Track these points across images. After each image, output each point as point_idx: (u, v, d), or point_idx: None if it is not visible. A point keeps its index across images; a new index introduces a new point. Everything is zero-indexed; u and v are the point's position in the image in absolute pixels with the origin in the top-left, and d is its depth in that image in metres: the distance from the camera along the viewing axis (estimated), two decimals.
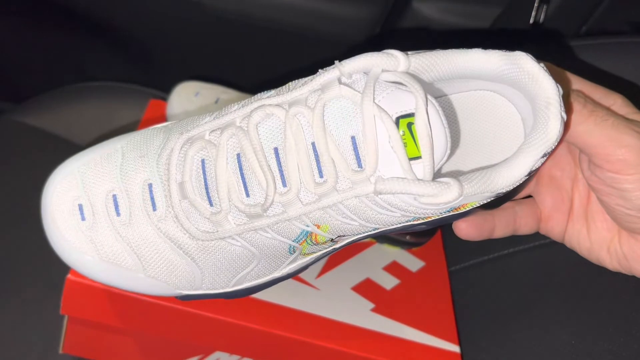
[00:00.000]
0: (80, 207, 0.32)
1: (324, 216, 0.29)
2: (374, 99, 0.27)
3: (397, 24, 0.69)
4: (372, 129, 0.27)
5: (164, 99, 0.52)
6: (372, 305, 0.45)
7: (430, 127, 0.27)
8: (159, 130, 0.33)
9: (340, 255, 0.48)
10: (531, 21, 0.60)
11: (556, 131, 0.28)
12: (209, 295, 0.35)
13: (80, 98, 0.66)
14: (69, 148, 0.60)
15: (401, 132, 0.27)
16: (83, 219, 0.32)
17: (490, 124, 0.34)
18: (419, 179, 0.27)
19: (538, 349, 0.44)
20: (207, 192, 0.30)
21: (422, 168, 0.27)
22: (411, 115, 0.27)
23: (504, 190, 0.29)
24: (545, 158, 0.28)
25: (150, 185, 0.31)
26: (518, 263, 0.50)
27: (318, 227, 0.30)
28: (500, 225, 0.35)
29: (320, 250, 0.34)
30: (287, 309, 0.42)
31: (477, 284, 0.51)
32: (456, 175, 0.28)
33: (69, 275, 0.38)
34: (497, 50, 0.30)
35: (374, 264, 0.49)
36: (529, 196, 0.36)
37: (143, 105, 0.53)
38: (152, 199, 0.31)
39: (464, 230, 0.33)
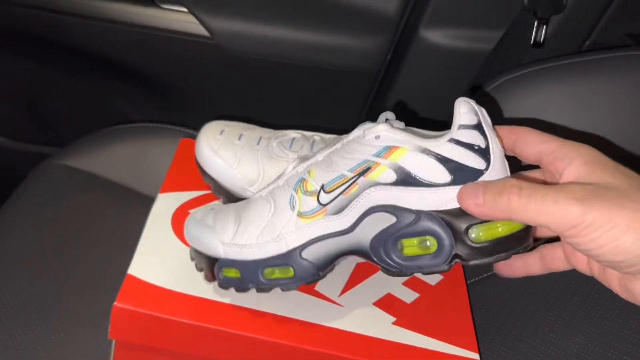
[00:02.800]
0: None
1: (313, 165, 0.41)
2: None
3: (406, 51, 0.73)
4: None
5: (194, 137, 0.57)
6: (393, 319, 0.48)
7: None
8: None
9: (362, 273, 0.51)
10: (531, 42, 0.63)
11: None
12: (238, 263, 0.41)
13: (117, 140, 0.71)
14: (108, 187, 0.65)
15: None
16: None
17: None
18: None
19: (555, 353, 0.46)
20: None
21: None
22: None
23: None
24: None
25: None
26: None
27: (309, 173, 0.41)
28: (534, 266, 0.41)
29: (312, 217, 0.40)
30: (313, 324, 0.45)
31: (494, 294, 0.53)
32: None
33: (116, 303, 0.42)
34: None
35: (394, 280, 0.51)
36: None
37: (175, 144, 0.58)
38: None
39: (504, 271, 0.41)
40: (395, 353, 0.45)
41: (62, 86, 0.85)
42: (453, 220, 0.36)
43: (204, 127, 0.53)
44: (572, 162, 0.34)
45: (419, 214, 0.37)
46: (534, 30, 0.62)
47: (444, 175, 0.37)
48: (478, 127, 0.37)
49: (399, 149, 0.38)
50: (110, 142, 0.70)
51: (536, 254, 0.40)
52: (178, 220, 0.49)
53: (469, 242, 0.36)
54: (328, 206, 0.40)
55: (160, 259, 0.45)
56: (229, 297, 0.44)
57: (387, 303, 0.49)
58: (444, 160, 0.37)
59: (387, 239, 0.38)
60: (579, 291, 0.49)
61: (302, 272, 0.40)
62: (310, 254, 0.40)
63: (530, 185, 0.33)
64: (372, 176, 0.39)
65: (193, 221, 0.44)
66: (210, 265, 0.42)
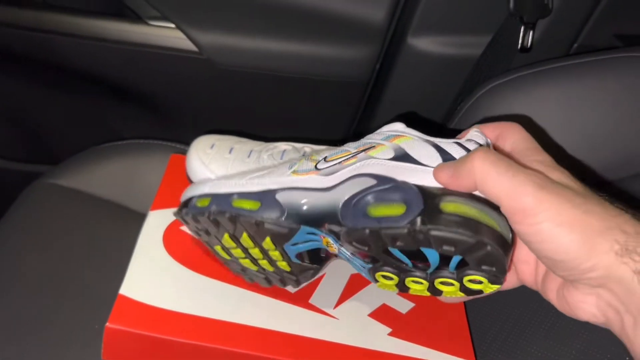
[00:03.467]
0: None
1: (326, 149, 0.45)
2: None
3: (395, 59, 0.73)
4: None
5: (185, 152, 0.57)
6: (389, 330, 0.47)
7: None
8: None
9: (356, 285, 0.51)
10: (519, 47, 0.63)
11: None
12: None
13: (108, 157, 0.71)
14: (100, 205, 0.65)
15: None
16: None
17: None
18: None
19: (553, 359, 0.46)
20: None
21: None
22: None
23: None
24: None
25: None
26: None
27: (319, 152, 0.44)
28: None
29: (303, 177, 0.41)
30: (308, 339, 0.45)
31: (490, 302, 0.53)
32: None
33: (108, 324, 0.41)
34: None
35: (389, 291, 0.51)
36: None
37: (166, 160, 0.58)
38: None
39: None
40: None
41: (53, 104, 0.85)
42: (429, 191, 0.36)
43: (195, 142, 0.53)
44: (514, 138, 0.36)
45: (398, 182, 0.37)
46: (521, 35, 0.63)
47: (437, 162, 0.37)
48: (484, 145, 0.39)
49: (405, 136, 0.40)
50: (101, 160, 0.70)
51: None
52: (169, 237, 0.49)
53: (437, 209, 0.35)
54: (322, 170, 0.41)
55: (152, 277, 0.45)
56: (223, 314, 0.44)
57: (383, 314, 0.49)
58: (442, 152, 0.38)
59: (361, 197, 0.38)
60: None
61: (267, 207, 0.41)
62: (282, 196, 0.41)
63: (497, 156, 0.33)
64: (371, 152, 0.40)
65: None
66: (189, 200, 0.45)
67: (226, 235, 0.43)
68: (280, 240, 0.41)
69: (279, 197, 0.41)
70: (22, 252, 0.60)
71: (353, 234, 0.37)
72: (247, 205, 0.41)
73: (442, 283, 0.38)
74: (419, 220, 0.34)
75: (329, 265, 0.52)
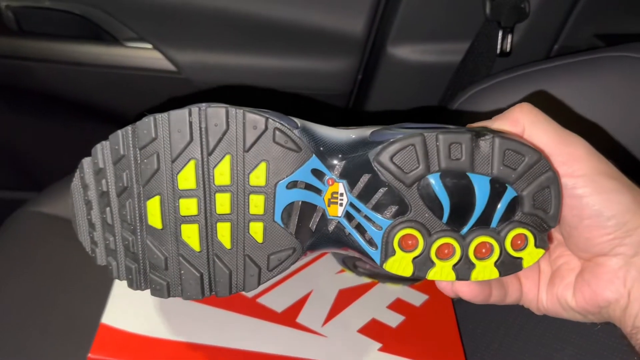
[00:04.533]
0: None
1: None
2: None
3: (376, 69, 0.72)
4: None
5: None
6: (379, 345, 0.47)
7: None
8: None
9: (344, 300, 0.50)
10: (498, 51, 0.63)
11: None
12: None
13: None
14: None
15: None
16: None
17: None
18: None
19: None
20: None
21: None
22: None
23: None
24: None
25: None
26: None
27: None
28: (495, 291, 0.34)
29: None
30: (296, 359, 0.44)
31: (481, 311, 0.52)
32: None
33: (90, 354, 0.41)
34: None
35: (378, 304, 0.51)
36: None
37: None
38: None
39: (465, 293, 0.33)
40: None
41: (33, 131, 0.84)
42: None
43: None
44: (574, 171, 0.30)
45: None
46: (500, 39, 0.62)
47: None
48: None
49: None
50: None
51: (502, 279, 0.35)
52: None
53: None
54: None
55: (133, 305, 0.44)
56: (209, 338, 0.43)
57: (372, 329, 0.48)
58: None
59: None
60: None
61: (276, 115, 0.31)
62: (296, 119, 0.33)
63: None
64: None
65: None
66: None
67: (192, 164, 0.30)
68: (280, 168, 0.30)
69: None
70: (6, 284, 0.59)
71: (394, 145, 0.29)
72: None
73: (478, 252, 0.31)
74: (481, 131, 0.30)
75: (316, 282, 0.51)
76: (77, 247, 0.62)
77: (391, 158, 0.29)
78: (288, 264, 0.31)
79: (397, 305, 0.51)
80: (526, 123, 0.31)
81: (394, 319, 0.49)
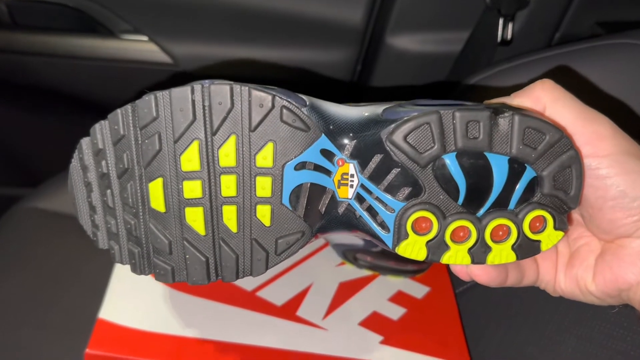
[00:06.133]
0: None
1: None
2: None
3: (375, 60, 0.72)
4: None
5: None
6: (380, 338, 0.46)
7: None
8: None
9: (345, 292, 0.49)
10: (499, 40, 0.62)
11: None
12: None
13: None
14: (81, 227, 0.63)
15: None
16: None
17: None
18: None
19: (549, 359, 0.44)
20: None
21: None
22: None
23: None
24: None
25: None
26: None
27: None
28: (511, 273, 0.33)
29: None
30: (297, 353, 0.43)
31: (484, 303, 0.51)
32: None
33: (88, 350, 0.40)
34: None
35: (379, 296, 0.50)
36: None
37: None
38: None
39: (481, 277, 0.32)
40: None
41: (28, 125, 0.83)
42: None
43: None
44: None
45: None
46: (500, 27, 0.61)
47: None
48: None
49: None
50: None
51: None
52: None
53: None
54: None
55: (131, 299, 0.44)
56: (208, 332, 0.43)
57: (374, 322, 0.47)
58: None
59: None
60: None
61: (283, 92, 0.29)
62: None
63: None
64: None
65: None
66: None
67: (195, 144, 0.28)
68: (288, 148, 0.29)
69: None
70: (3, 281, 0.58)
71: (408, 124, 0.28)
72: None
73: (495, 235, 0.29)
74: (500, 108, 0.28)
75: (317, 274, 0.51)
76: (73, 243, 0.62)
77: (405, 137, 0.28)
78: (297, 247, 0.30)
79: (399, 298, 0.50)
80: (548, 100, 0.30)
81: (395, 312, 0.49)
